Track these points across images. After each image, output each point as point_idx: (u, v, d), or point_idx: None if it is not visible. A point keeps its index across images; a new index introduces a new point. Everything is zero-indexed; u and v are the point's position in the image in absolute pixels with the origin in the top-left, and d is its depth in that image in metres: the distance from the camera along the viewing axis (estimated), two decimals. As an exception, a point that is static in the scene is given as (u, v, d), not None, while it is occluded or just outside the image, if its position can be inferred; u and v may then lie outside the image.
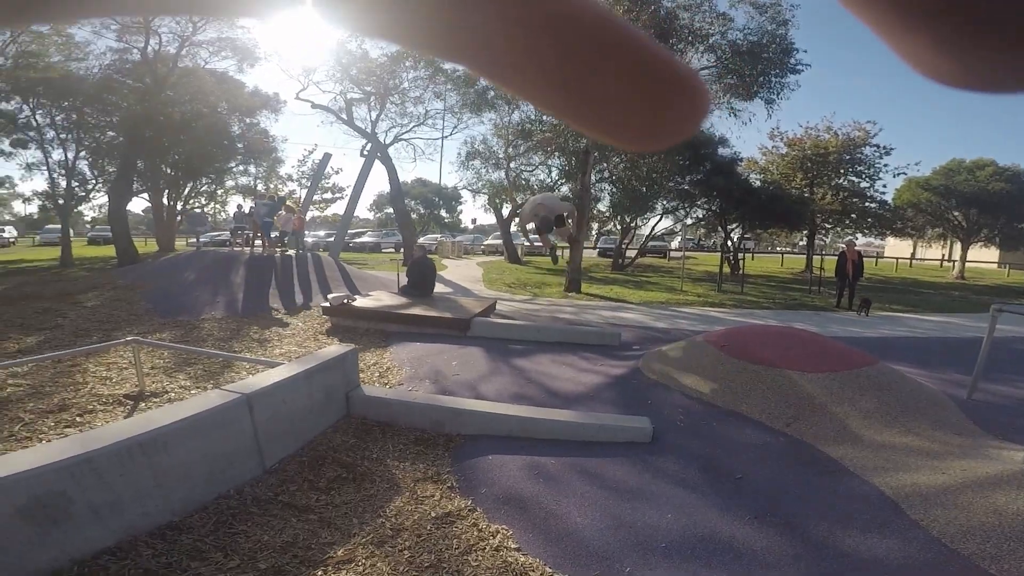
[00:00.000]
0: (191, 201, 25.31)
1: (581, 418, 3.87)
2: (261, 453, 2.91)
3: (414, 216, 30.32)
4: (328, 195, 30.62)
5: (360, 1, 0.13)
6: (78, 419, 3.71)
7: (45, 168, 19.47)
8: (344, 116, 18.63)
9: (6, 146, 22.38)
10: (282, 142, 28.38)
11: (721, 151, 18.69)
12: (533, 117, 18.45)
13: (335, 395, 3.70)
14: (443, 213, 45.08)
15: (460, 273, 16.28)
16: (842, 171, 22.21)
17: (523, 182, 22.79)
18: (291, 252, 13.36)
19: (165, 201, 22.66)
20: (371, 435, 3.57)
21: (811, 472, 3.36)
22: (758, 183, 21.24)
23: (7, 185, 43.76)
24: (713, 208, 18.99)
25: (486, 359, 5.70)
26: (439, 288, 9.01)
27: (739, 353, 4.84)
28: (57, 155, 19.28)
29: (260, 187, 27.18)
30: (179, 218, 23.99)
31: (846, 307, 11.19)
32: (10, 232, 32.65)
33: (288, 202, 18.10)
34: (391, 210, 28.37)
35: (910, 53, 0.15)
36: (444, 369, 5.31)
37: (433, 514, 2.73)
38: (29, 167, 21.77)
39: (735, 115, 15.96)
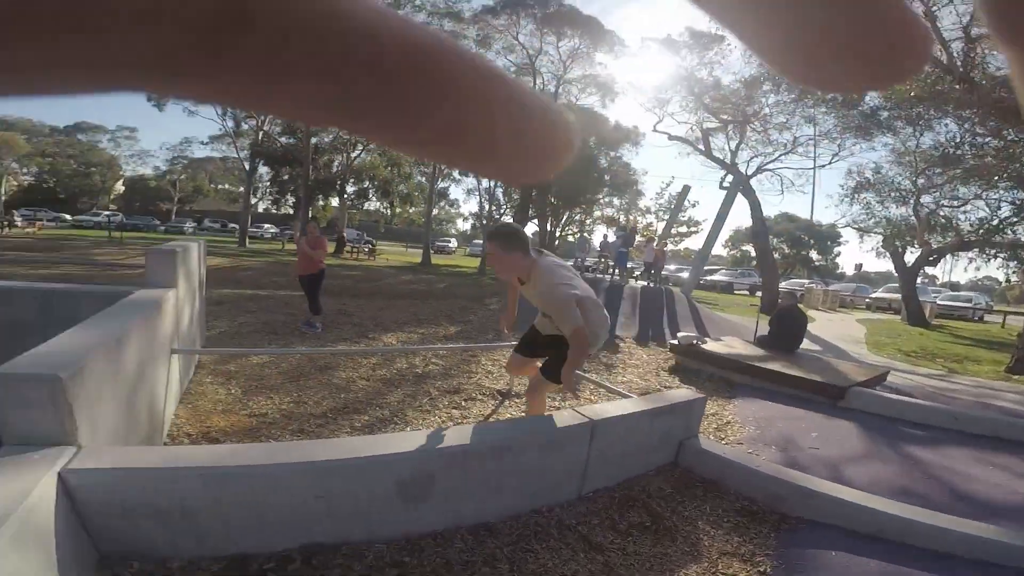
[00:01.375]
0: (565, 228, 29.67)
1: (1011, 536, 2.56)
2: (583, 479, 2.93)
3: (777, 256, 27.34)
4: (683, 228, 30.86)
5: None
6: (463, 403, 4.57)
7: (476, 193, 26.33)
8: (701, 147, 18.36)
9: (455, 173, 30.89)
10: (642, 175, 30.19)
11: None
12: (959, 139, 13.98)
13: (670, 440, 3.47)
14: (813, 255, 39.28)
15: (833, 330, 13.63)
16: None
17: (942, 220, 17.53)
18: (646, 283, 13.89)
19: (547, 227, 27.25)
20: (691, 490, 3.19)
21: None
22: None
23: (456, 205, 61.54)
24: None
25: (862, 437, 4.53)
26: (804, 344, 7.68)
27: None
28: (485, 182, 25.68)
29: (622, 218, 29.65)
30: (555, 243, 28.46)
31: None
32: (453, 244, 45.49)
33: (644, 233, 18.97)
34: (748, 247, 26.37)
35: (761, 49, 0.15)
36: (798, 438, 4.40)
37: (732, 601, 2.18)
38: (468, 191, 29.52)
39: None
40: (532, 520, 2.65)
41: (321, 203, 32.73)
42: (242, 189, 50.51)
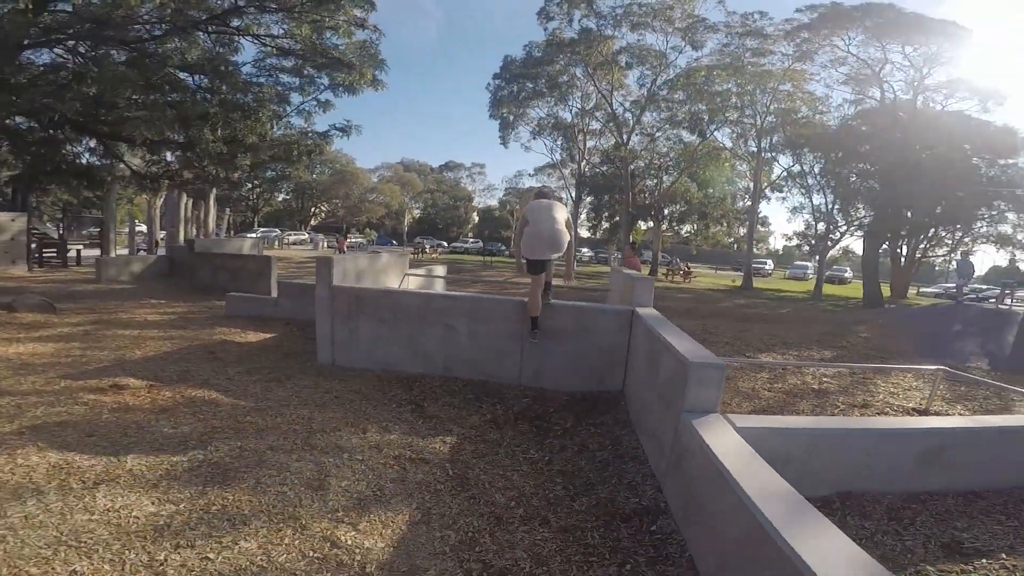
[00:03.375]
0: (930, 252, 24.41)
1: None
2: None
3: None
4: None
5: None
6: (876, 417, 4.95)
7: (805, 212, 24.26)
8: None
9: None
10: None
11: None
12: None
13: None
14: None
15: None
16: None
17: None
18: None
19: (903, 249, 22.99)
20: None
21: None
22: None
23: (766, 224, 56.32)
24: None
25: None
26: None
27: None
28: (817, 200, 23.47)
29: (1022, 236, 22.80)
30: (915, 267, 23.74)
31: None
32: (769, 265, 42.15)
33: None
34: None
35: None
36: None
37: None
38: (793, 210, 27.30)
39: None
40: (1017, 493, 3.04)
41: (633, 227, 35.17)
42: (561, 217, 58.31)
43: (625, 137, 27.77)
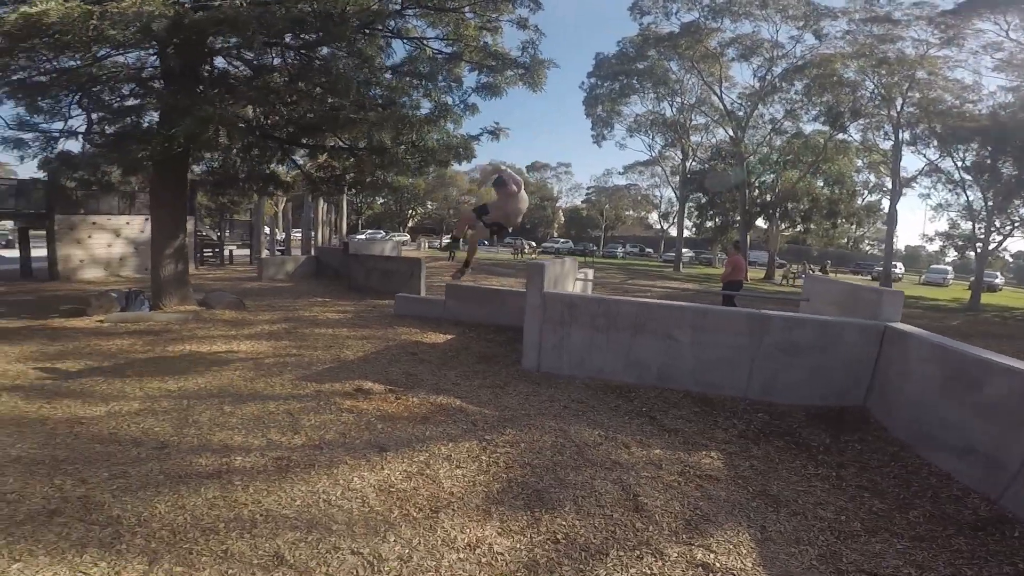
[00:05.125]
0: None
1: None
2: None
3: None
4: None
5: None
6: None
7: (951, 210, 21.69)
8: None
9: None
10: None
11: None
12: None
13: None
14: None
15: None
16: None
17: None
18: None
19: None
20: None
21: None
22: None
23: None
24: None
25: None
26: None
27: None
28: (970, 196, 20.83)
29: None
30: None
31: None
32: (900, 268, 38.10)
33: None
34: None
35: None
36: None
37: None
38: (937, 207, 23.78)
39: None
40: None
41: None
42: (646, 215, 57.12)
43: (740, 132, 26.44)
